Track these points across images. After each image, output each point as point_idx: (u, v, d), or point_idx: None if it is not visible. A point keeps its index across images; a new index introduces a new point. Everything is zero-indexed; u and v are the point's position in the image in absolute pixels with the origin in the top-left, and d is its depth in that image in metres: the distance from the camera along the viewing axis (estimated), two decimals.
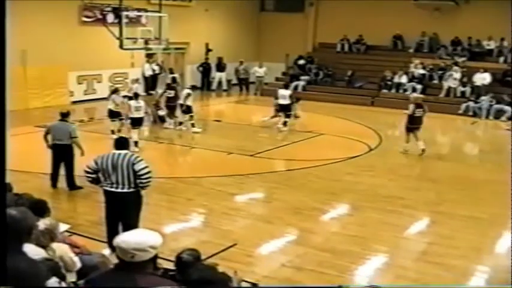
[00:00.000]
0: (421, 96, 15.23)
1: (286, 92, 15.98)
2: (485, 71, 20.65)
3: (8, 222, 3.04)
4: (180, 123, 14.93)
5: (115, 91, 14.05)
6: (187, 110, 14.75)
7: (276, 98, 15.82)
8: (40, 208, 5.03)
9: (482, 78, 20.48)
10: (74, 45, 18.30)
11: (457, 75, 21.05)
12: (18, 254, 2.90)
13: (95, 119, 16.89)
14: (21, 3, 14.55)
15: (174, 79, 17.38)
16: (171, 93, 15.39)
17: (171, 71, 20.15)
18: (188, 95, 14.76)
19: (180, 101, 14.82)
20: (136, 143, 12.60)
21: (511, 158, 11.46)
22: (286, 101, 15.64)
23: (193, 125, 14.74)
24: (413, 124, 13.17)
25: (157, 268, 3.11)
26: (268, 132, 15.37)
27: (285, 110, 15.62)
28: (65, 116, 9.55)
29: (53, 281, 3.18)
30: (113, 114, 13.65)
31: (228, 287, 3.79)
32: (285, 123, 15.56)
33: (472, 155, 14.19)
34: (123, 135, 8.82)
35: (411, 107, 13.26)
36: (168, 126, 15.36)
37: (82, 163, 7.81)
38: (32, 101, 17.45)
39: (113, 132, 13.39)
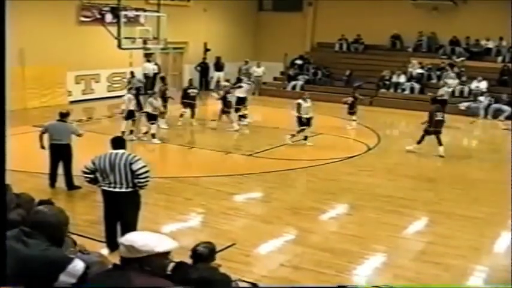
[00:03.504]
0: (227, 83, 17.68)
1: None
2: (483, 79, 20.59)
3: (44, 218, 3.11)
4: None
5: (152, 94, 13.82)
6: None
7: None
8: None
9: (478, 87, 20.45)
10: (72, 45, 18.28)
11: (452, 81, 21.03)
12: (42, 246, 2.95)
13: (93, 119, 16.89)
14: (20, 3, 14.50)
15: (190, 81, 17.10)
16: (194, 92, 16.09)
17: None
18: (298, 104, 13.73)
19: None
20: (131, 131, 13.43)
21: (510, 157, 11.47)
22: None
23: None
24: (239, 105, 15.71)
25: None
26: (268, 132, 15.37)
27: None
28: (64, 116, 9.56)
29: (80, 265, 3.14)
30: (151, 117, 13.53)
31: (228, 287, 3.77)
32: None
33: (470, 155, 14.19)
34: (119, 135, 8.79)
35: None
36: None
37: (80, 163, 7.79)
38: (30, 100, 17.42)
39: (153, 136, 13.51)
